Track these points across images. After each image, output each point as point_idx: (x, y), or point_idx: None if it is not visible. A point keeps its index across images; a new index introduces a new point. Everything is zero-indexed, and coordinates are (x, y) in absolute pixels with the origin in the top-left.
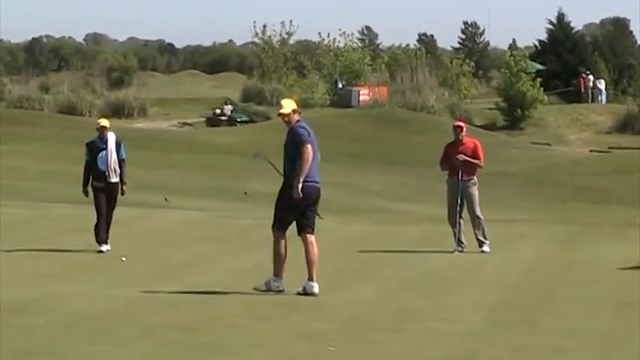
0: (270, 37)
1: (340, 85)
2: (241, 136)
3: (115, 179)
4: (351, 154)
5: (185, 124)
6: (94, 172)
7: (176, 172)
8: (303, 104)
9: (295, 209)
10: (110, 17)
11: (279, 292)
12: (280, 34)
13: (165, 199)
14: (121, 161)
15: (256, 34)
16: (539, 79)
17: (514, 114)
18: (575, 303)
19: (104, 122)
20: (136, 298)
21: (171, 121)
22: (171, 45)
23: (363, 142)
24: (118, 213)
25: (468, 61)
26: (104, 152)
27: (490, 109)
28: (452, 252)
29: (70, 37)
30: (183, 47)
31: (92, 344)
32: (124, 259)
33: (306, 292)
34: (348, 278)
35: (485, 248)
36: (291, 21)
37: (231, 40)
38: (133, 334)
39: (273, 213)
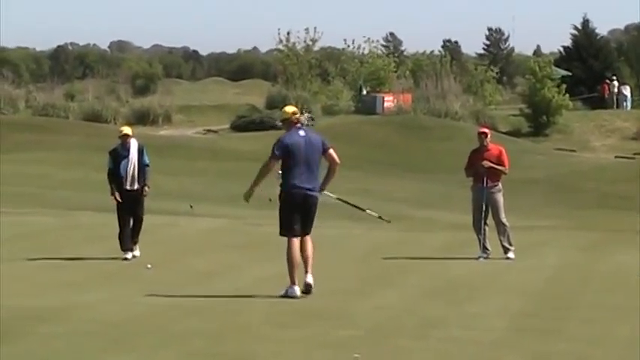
0: (294, 43)
1: (364, 92)
2: (266, 143)
3: (135, 186)
4: (376, 161)
5: (209, 131)
6: (116, 180)
7: (200, 179)
8: (327, 111)
9: (294, 213)
10: (135, 25)
11: (296, 297)
12: (305, 41)
13: (191, 207)
14: (144, 166)
15: (280, 40)
16: (563, 85)
17: (539, 120)
18: (599, 310)
19: (127, 130)
20: (161, 306)
21: (195, 128)
22: (195, 52)
23: (387, 148)
24: (143, 221)
25: (492, 67)
26: (126, 160)
27: (515, 115)
28: (477, 259)
29: (94, 45)
30: (208, 54)
31: (116, 353)
32: (149, 266)
33: (305, 285)
34: (372, 285)
35: (511, 255)
36: (315, 28)
37: (255, 47)
38: (157, 342)
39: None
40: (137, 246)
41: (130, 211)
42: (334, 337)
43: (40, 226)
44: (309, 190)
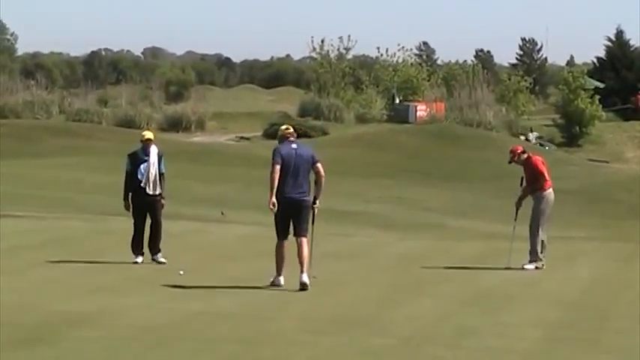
0: (328, 51)
1: (397, 101)
2: None
3: (153, 192)
4: (408, 169)
5: (242, 138)
6: (133, 184)
7: (233, 185)
8: (360, 119)
9: (285, 219)
10: (168, 31)
11: (280, 286)
12: (338, 49)
13: (222, 213)
14: (160, 175)
15: (314, 48)
16: (596, 96)
17: (572, 131)
18: (634, 321)
19: (149, 135)
20: (194, 311)
21: (228, 135)
22: (228, 59)
23: (419, 157)
24: (175, 227)
25: (525, 77)
26: (145, 164)
27: (548, 125)
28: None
29: (128, 51)
30: (241, 61)
31: (150, 357)
32: (181, 272)
33: (301, 284)
34: (405, 294)
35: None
36: (349, 36)
37: (288, 55)
38: (191, 347)
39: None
40: (161, 253)
41: (148, 215)
42: (368, 345)
43: (73, 231)
44: (299, 194)
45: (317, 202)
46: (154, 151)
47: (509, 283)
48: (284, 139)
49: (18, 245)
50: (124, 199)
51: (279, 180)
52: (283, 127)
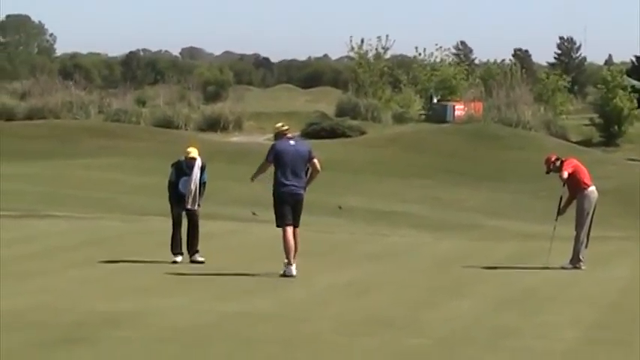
0: (366, 51)
1: (435, 100)
2: (336, 151)
3: (192, 206)
4: (446, 169)
5: None
6: (174, 193)
7: (269, 185)
8: (398, 119)
9: (284, 206)
10: (206, 31)
11: (293, 276)
12: (376, 49)
13: (253, 214)
14: (201, 184)
15: (352, 48)
16: (635, 95)
17: (610, 130)
18: None
19: (194, 153)
20: (232, 312)
21: (266, 135)
22: (266, 59)
23: (457, 157)
24: (214, 227)
25: (564, 76)
26: (187, 178)
27: (586, 125)
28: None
29: (166, 51)
30: (279, 61)
31: (188, 358)
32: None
33: (285, 274)
34: (442, 294)
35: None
36: (387, 36)
37: (326, 55)
38: (228, 349)
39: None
40: (199, 253)
41: (188, 224)
42: (404, 346)
43: (112, 231)
44: (295, 187)
45: (305, 190)
46: (197, 165)
47: (547, 284)
48: (281, 135)
49: (57, 245)
50: (172, 210)
51: (277, 173)
52: (279, 124)
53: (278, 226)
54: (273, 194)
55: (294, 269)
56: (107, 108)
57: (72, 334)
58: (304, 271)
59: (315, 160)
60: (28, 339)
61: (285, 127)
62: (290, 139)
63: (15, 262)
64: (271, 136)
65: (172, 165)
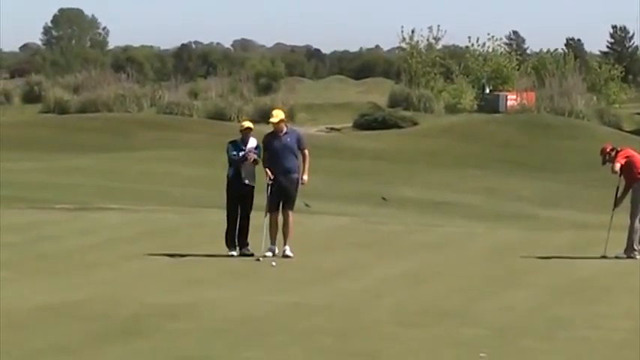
0: (417, 42)
1: (487, 90)
2: (388, 141)
3: (249, 182)
4: (499, 159)
5: (333, 129)
6: (230, 172)
7: (323, 177)
8: (450, 110)
9: (276, 196)
10: (258, 23)
11: (275, 254)
12: (427, 39)
13: (306, 205)
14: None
15: (403, 39)
16: None
17: None
18: None
19: (248, 124)
20: (287, 303)
21: (318, 126)
22: (318, 51)
23: (510, 147)
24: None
25: (617, 65)
26: (242, 153)
27: (639, 114)
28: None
29: (218, 44)
30: (330, 53)
31: (244, 350)
32: (273, 264)
33: (283, 254)
34: (497, 284)
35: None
36: (438, 26)
37: (377, 46)
38: (284, 340)
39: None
40: (249, 246)
41: (240, 207)
42: (460, 336)
43: (167, 224)
44: (289, 172)
45: (304, 178)
46: (252, 142)
47: (603, 274)
48: (276, 126)
49: (113, 238)
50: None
51: (272, 162)
52: (272, 118)
53: (268, 212)
54: (267, 183)
55: (276, 248)
56: (159, 101)
57: (129, 326)
58: (358, 262)
59: (306, 151)
60: (88, 330)
61: (276, 120)
62: (280, 130)
63: (73, 255)
64: (323, 127)
65: (229, 142)
